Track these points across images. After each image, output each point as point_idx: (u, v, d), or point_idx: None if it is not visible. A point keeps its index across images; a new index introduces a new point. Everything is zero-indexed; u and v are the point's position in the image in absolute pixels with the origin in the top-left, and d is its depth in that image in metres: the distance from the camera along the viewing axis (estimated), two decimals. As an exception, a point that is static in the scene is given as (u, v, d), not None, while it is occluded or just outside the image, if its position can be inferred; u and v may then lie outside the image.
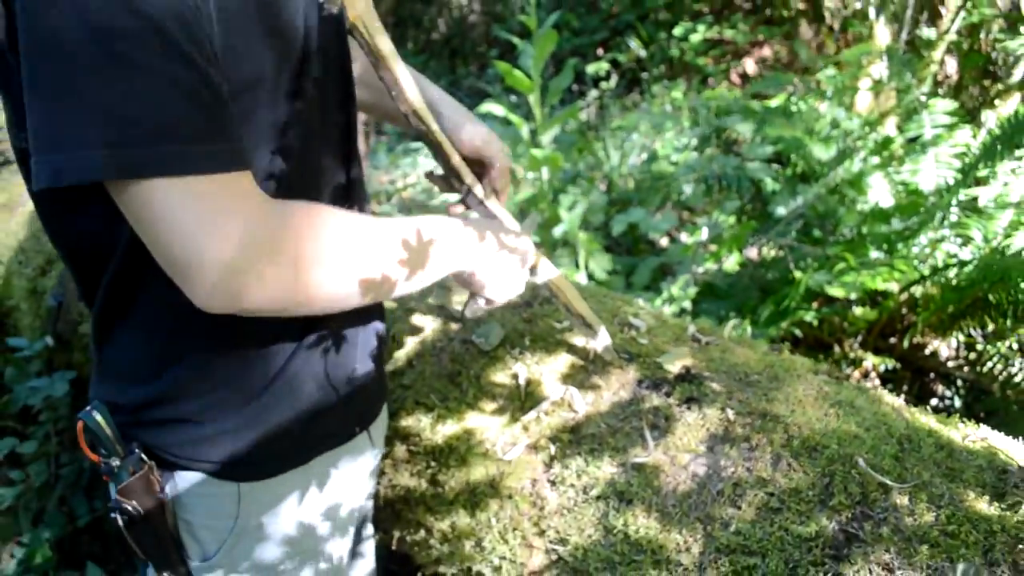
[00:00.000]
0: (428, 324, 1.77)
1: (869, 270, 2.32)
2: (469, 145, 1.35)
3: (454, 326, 1.71)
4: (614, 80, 5.51)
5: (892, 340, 3.35)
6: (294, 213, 0.90)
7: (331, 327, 1.18)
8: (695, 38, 5.63)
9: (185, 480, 1.12)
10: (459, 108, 1.39)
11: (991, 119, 3.64)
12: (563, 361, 1.59)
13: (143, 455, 1.09)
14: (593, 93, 5.38)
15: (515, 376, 1.58)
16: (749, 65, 5.97)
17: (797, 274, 2.80)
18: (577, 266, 3.39)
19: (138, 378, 1.08)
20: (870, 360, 3.19)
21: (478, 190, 1.33)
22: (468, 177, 1.32)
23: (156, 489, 1.10)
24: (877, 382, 3.23)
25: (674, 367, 1.55)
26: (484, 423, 1.53)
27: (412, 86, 1.22)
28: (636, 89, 5.75)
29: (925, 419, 1.49)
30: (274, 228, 0.87)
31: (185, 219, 0.81)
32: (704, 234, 2.91)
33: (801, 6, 4.99)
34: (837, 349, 3.29)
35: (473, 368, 1.62)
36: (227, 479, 1.13)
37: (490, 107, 3.55)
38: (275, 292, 0.88)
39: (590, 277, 3.44)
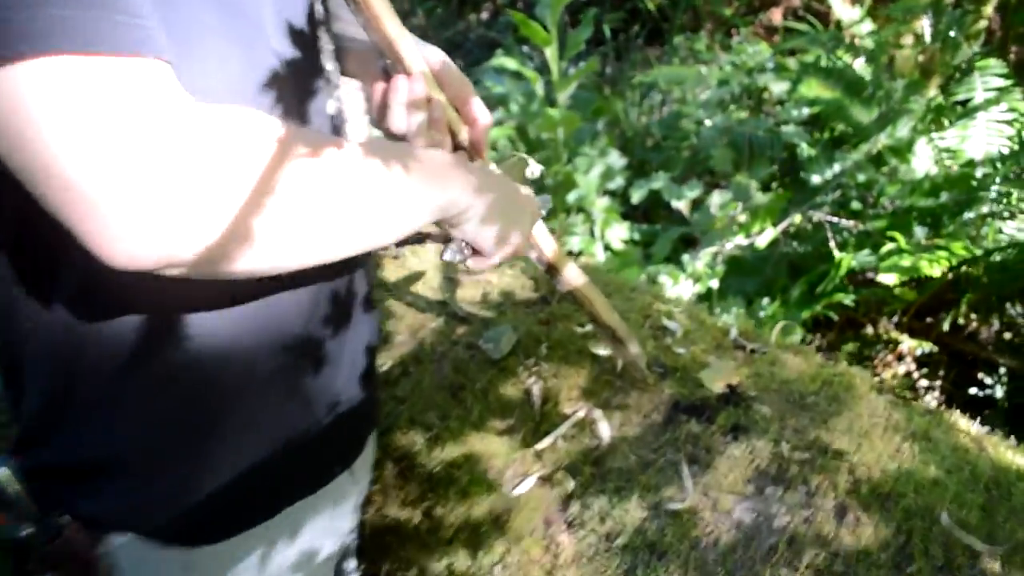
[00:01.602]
0: (427, 323, 1.54)
1: (923, 253, 2.07)
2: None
3: (459, 329, 1.47)
4: (633, 30, 5.18)
5: (929, 320, 3.11)
6: (242, 121, 0.65)
7: (306, 338, 0.94)
8: (721, -16, 5.29)
9: (119, 546, 0.90)
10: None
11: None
12: (586, 374, 1.36)
13: (64, 516, 0.87)
14: (611, 44, 5.05)
15: (528, 391, 1.35)
16: (776, 15, 5.62)
17: (836, 252, 2.55)
18: (593, 235, 3.14)
19: (49, 422, 0.85)
20: (906, 343, 2.96)
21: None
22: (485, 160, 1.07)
23: (82, 558, 0.88)
24: (913, 367, 3.00)
25: (717, 385, 1.32)
26: (490, 448, 1.31)
27: (415, 52, 0.96)
28: (657, 41, 5.42)
29: (1011, 455, 1.26)
30: (215, 137, 0.62)
31: (80, 122, 0.56)
32: (741, 215, 2.66)
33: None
34: (871, 329, 3.06)
35: (479, 380, 1.39)
36: (172, 544, 0.91)
37: (502, 60, 3.27)
38: (216, 228, 0.62)
39: (606, 248, 3.20)
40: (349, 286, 0.99)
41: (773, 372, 1.37)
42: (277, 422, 0.95)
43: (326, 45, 0.98)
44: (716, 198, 2.87)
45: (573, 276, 1.16)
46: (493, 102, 3.49)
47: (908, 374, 2.94)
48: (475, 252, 1.00)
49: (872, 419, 1.26)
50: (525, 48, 4.57)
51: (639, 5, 5.51)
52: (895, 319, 3.03)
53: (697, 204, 3.18)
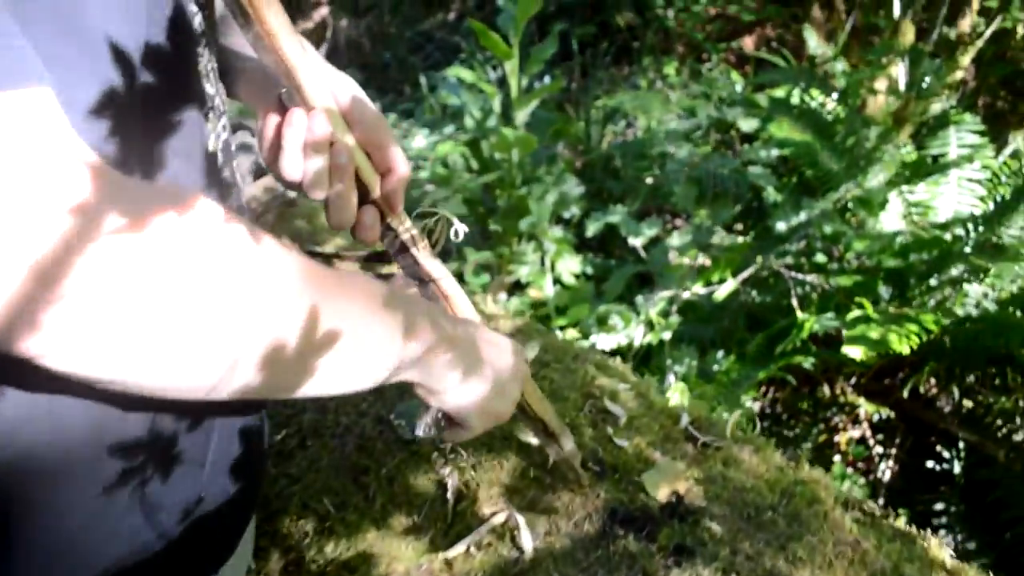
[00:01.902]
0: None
1: (892, 324, 1.91)
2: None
3: (370, 397, 1.26)
4: (603, 47, 5.00)
5: (887, 381, 2.97)
6: (156, 194, 0.50)
7: (148, 439, 0.72)
8: (696, 8, 5.14)
9: None
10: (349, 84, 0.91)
11: (1020, 141, 3.24)
12: (510, 467, 1.16)
13: None
14: (579, 59, 4.87)
15: (442, 484, 1.15)
16: (749, 43, 5.50)
17: (797, 309, 2.39)
18: (543, 266, 2.95)
19: None
20: (863, 407, 2.81)
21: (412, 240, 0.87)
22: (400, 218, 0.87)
23: None
24: (869, 432, 2.86)
25: (661, 492, 1.13)
26: (392, 548, 1.10)
27: (318, 82, 0.76)
28: (626, 59, 5.25)
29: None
30: (115, 204, 0.46)
31: None
32: (700, 258, 2.48)
33: (814, -14, 4.53)
34: (827, 389, 2.91)
35: (386, 463, 1.18)
36: None
37: (458, 71, 3.06)
38: (98, 329, 0.47)
39: (556, 281, 3.00)
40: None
41: (727, 476, 1.18)
42: (107, 530, 0.73)
43: (207, 64, 0.75)
44: (675, 239, 2.69)
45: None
46: (448, 114, 3.29)
47: (863, 439, 2.80)
48: (451, 422, 0.81)
49: (837, 547, 1.08)
50: (488, 55, 4.37)
51: (610, 20, 5.34)
52: (852, 380, 2.89)
53: (655, 240, 3.01)
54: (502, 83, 3.23)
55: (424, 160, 3.28)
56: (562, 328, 2.86)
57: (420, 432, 0.82)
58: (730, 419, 1.31)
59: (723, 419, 1.34)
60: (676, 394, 1.65)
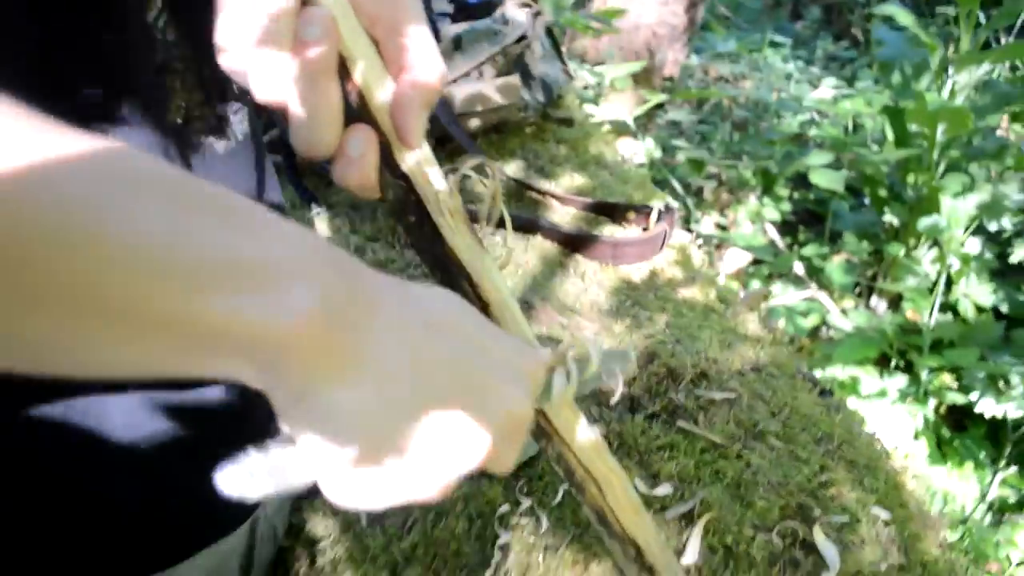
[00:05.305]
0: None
1: None
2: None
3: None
4: None
5: None
6: None
7: None
8: None
9: None
10: None
11: None
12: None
13: None
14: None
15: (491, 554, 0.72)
16: None
17: None
18: (934, 286, 2.21)
19: None
20: None
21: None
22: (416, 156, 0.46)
23: None
24: None
25: None
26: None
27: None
28: None
29: None
30: None
31: None
32: None
33: None
34: None
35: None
36: None
37: (894, 10, 2.33)
38: None
39: (949, 307, 2.25)
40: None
41: None
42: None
43: None
44: None
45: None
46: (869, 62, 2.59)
47: None
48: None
49: None
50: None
51: None
52: None
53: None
54: (945, 41, 2.43)
55: (823, 116, 2.65)
56: (932, 370, 2.13)
57: (242, 483, 0.39)
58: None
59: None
60: None
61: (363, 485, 0.37)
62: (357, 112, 0.45)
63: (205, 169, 0.59)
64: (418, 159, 0.47)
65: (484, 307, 0.50)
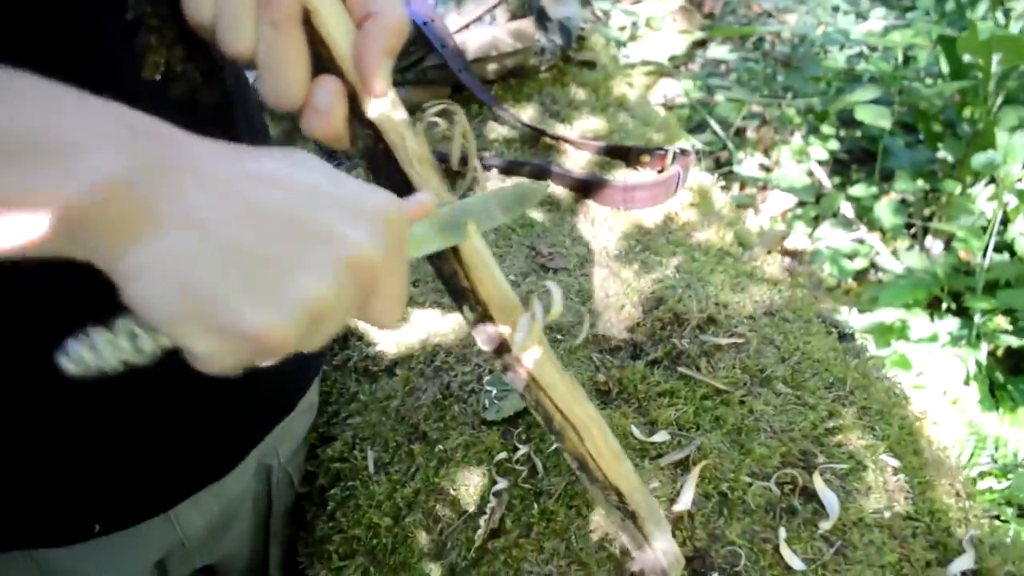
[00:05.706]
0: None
1: None
2: None
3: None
4: None
5: None
6: None
7: None
8: None
9: None
10: None
11: None
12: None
13: None
14: None
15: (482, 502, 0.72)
16: None
17: None
18: (986, 225, 2.12)
19: None
20: None
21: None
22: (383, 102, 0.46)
23: None
24: None
25: None
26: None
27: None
28: None
29: None
30: None
31: None
32: None
33: None
34: None
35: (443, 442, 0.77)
36: None
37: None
38: None
39: (1006, 247, 2.15)
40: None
41: None
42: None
43: None
44: None
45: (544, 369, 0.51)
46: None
47: None
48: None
49: None
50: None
51: None
52: None
53: None
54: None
55: (872, 50, 2.53)
56: (985, 312, 2.05)
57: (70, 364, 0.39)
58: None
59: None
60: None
61: (209, 341, 0.37)
62: (324, 63, 0.45)
63: (197, 125, 0.59)
64: (385, 108, 0.47)
65: (462, 265, 0.50)
